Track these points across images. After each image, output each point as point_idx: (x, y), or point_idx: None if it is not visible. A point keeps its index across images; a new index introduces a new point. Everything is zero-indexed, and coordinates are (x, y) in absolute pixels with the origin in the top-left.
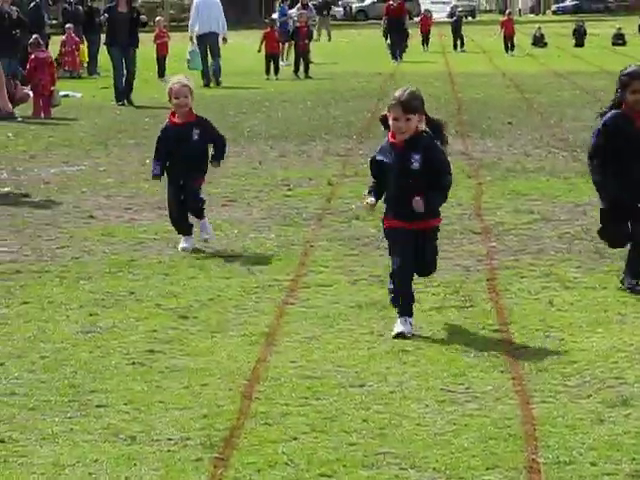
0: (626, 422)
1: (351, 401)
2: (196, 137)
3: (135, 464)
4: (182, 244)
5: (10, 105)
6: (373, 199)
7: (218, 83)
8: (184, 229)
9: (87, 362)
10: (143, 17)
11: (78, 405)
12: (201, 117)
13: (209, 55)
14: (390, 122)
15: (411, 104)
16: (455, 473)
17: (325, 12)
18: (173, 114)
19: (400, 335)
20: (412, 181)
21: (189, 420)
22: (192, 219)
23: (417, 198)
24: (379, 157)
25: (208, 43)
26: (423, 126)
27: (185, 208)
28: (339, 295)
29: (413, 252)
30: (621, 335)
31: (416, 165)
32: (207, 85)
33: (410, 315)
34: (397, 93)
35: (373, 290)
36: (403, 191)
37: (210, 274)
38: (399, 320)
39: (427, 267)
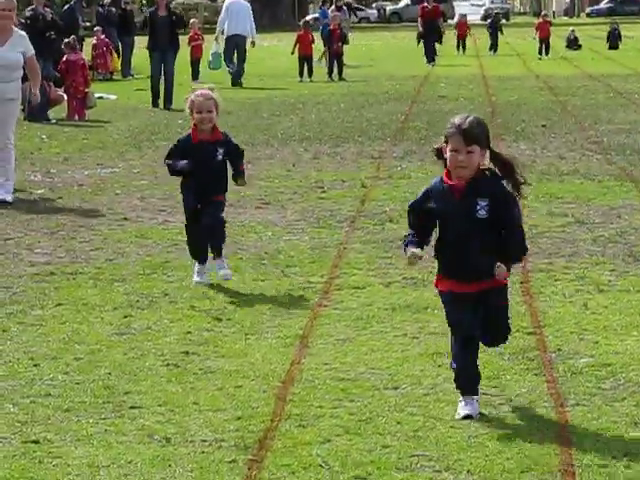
0: None
1: (385, 403)
2: (220, 157)
3: (170, 465)
4: (196, 277)
5: (39, 95)
6: (418, 249)
7: (239, 84)
8: (203, 253)
9: (121, 364)
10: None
11: (113, 406)
12: (225, 133)
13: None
14: (447, 155)
15: (474, 133)
16: (489, 476)
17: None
18: (195, 129)
19: (467, 417)
20: (477, 232)
21: (223, 422)
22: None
23: (499, 264)
24: (431, 204)
25: (236, 45)
26: (487, 162)
27: (204, 231)
28: (372, 297)
29: (477, 320)
30: None
31: (482, 213)
32: (234, 85)
33: (475, 394)
34: (456, 120)
35: (407, 292)
36: (465, 245)
37: (244, 276)
38: (463, 400)
39: (498, 334)
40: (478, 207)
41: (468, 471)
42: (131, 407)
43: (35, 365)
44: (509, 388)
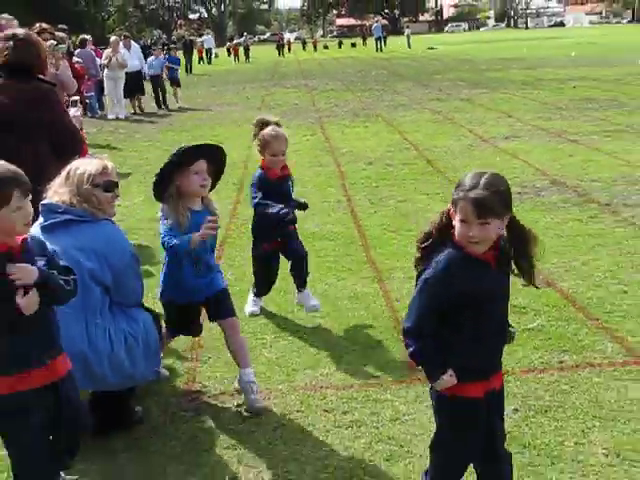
0: None
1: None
2: (292, 190)
3: None
4: (253, 308)
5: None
6: (448, 373)
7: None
8: (267, 290)
9: None
10: None
11: None
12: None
13: None
14: (456, 223)
15: (488, 204)
16: None
17: None
18: (268, 168)
19: None
20: (505, 308)
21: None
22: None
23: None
24: (459, 287)
25: None
26: (504, 230)
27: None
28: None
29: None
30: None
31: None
32: None
33: None
34: (467, 180)
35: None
36: (492, 328)
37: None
38: None
39: (505, 457)
40: (510, 282)
41: None
42: None
43: None
44: None
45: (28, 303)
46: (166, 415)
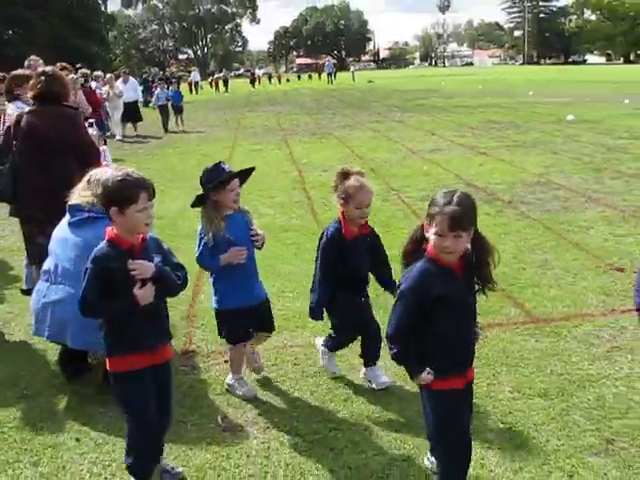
0: None
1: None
2: (366, 249)
3: None
4: (334, 368)
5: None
6: (427, 371)
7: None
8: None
9: None
10: None
11: None
12: (371, 227)
13: None
14: (431, 235)
15: (461, 219)
16: None
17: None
18: (348, 223)
19: None
20: (474, 309)
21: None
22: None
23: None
24: (436, 291)
25: None
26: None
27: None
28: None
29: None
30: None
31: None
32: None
33: None
34: (441, 199)
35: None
36: (470, 328)
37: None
38: None
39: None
40: (476, 284)
41: None
42: None
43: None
44: None
45: (144, 295)
46: None
